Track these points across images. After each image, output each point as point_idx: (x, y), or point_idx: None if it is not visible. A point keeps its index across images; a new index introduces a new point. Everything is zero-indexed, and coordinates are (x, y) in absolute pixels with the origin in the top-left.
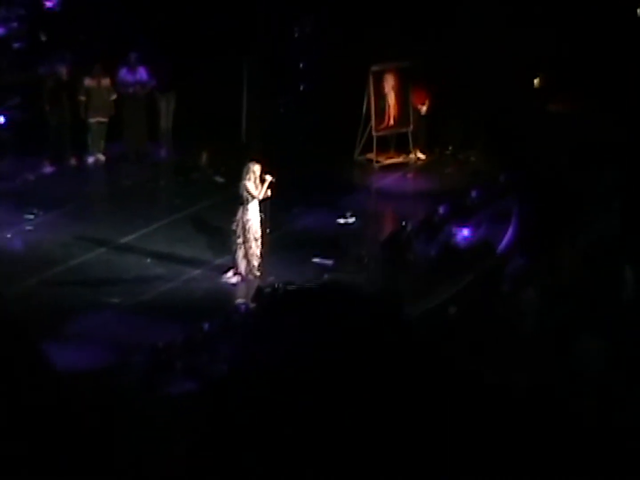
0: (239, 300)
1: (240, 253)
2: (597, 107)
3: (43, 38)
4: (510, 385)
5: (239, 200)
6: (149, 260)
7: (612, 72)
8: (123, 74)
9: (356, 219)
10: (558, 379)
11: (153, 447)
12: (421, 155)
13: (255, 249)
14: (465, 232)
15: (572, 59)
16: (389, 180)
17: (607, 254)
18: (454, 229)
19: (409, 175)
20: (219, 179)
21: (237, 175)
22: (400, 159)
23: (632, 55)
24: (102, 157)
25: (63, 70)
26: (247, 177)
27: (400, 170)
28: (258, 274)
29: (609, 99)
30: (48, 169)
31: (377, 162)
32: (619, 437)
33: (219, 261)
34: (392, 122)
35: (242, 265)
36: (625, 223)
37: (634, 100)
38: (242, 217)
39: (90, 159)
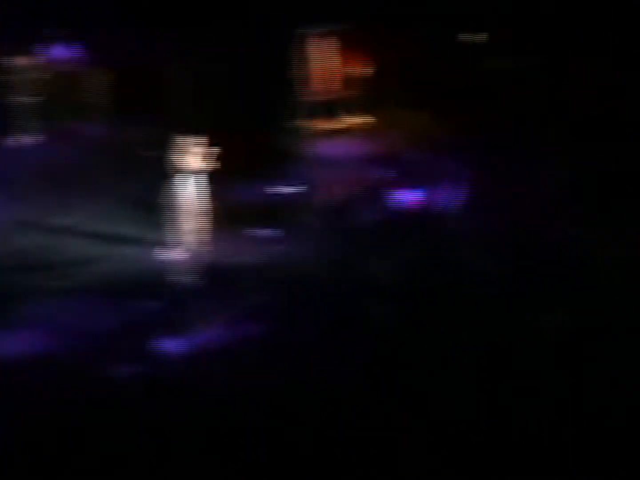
0: (181, 277)
1: (180, 228)
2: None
3: None
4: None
5: (178, 175)
6: (86, 241)
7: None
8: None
9: (297, 188)
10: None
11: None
12: (360, 120)
13: (196, 223)
14: (411, 195)
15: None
16: (329, 147)
17: None
18: (400, 193)
19: (350, 141)
20: (156, 154)
21: (175, 150)
22: (339, 125)
23: None
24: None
25: None
26: (186, 150)
27: (340, 136)
28: (199, 249)
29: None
30: None
31: (317, 128)
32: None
33: (159, 238)
34: (328, 86)
35: (183, 241)
36: None
37: None
38: (181, 192)
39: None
